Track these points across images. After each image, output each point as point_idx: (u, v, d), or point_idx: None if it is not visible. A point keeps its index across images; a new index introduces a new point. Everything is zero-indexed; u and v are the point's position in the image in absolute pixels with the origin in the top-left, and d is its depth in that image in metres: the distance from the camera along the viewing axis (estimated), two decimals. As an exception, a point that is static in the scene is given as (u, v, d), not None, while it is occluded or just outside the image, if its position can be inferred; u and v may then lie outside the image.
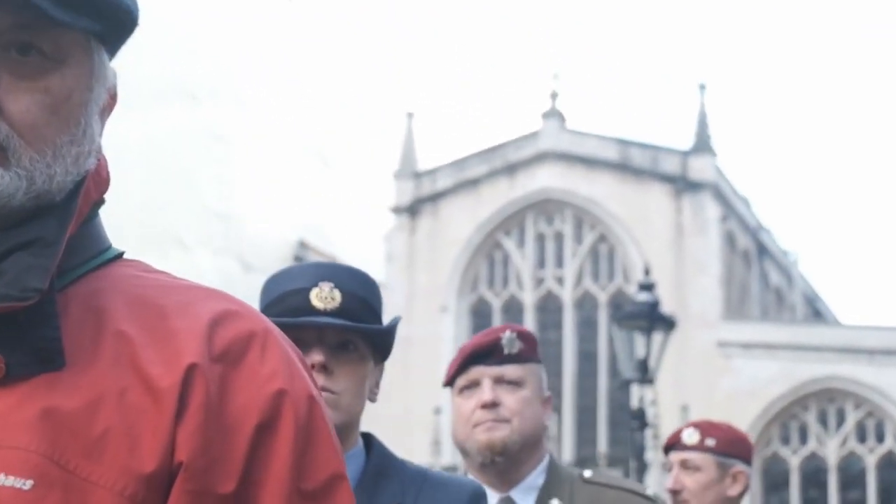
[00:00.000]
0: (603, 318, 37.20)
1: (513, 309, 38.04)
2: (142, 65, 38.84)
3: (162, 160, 37.41)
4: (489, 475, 3.10)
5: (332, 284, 2.38)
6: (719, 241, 37.05)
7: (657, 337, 14.37)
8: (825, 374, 34.89)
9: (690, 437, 4.32)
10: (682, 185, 37.33)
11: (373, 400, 2.49)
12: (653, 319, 14.36)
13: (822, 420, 35.40)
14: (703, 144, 37.94)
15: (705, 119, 38.39)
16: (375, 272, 42.15)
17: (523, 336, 3.18)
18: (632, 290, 35.11)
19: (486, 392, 3.07)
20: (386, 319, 2.46)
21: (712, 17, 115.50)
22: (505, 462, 3.07)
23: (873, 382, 34.49)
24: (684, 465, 4.28)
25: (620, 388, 25.32)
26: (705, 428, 4.36)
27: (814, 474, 35.39)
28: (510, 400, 3.08)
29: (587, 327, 38.09)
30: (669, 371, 30.64)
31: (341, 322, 2.36)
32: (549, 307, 38.57)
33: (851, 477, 35.27)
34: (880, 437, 34.93)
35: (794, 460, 35.21)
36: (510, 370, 3.11)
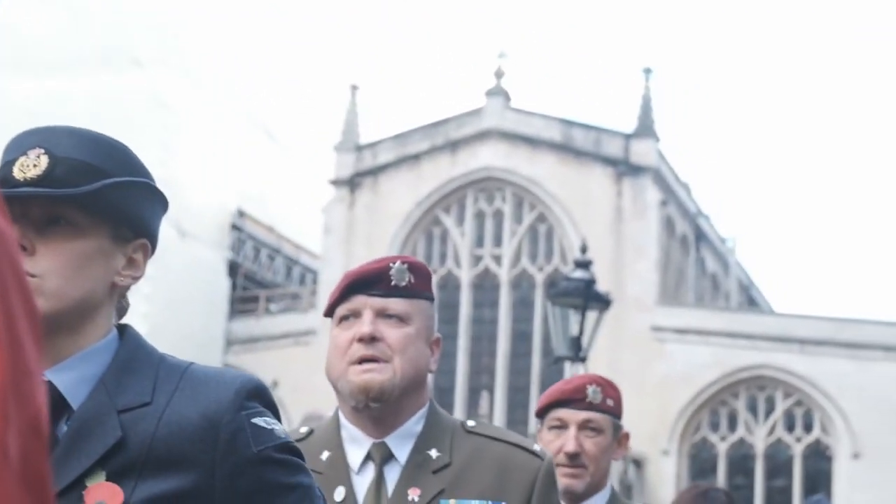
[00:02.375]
0: (539, 298, 37.22)
1: (449, 285, 38.03)
2: (88, 28, 38.48)
3: (105, 123, 36.93)
4: (363, 419, 2.81)
5: (41, 150, 1.95)
6: (658, 225, 37.16)
7: (591, 315, 14.33)
8: (757, 362, 35.13)
9: (595, 394, 3.82)
10: (624, 168, 37.40)
11: (123, 283, 1.99)
12: (588, 297, 14.29)
13: (752, 408, 35.64)
14: (646, 128, 38.01)
15: (649, 103, 38.46)
16: (313, 245, 42.07)
17: (415, 268, 2.85)
18: (569, 271, 35.22)
19: (365, 324, 2.74)
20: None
21: (660, 0, 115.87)
22: (381, 408, 2.76)
23: (804, 372, 34.76)
24: (585, 425, 3.79)
25: (553, 365, 25.36)
26: (604, 385, 3.87)
27: (741, 461, 35.64)
28: (392, 336, 2.74)
29: (523, 307, 38.13)
30: (604, 354, 30.74)
31: (28, 191, 1.91)
32: (485, 285, 38.58)
33: (778, 465, 35.57)
34: (808, 427, 35.21)
35: (722, 447, 35.45)
36: (395, 303, 2.77)
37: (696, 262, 41.48)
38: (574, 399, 3.80)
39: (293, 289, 42.87)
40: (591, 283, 14.55)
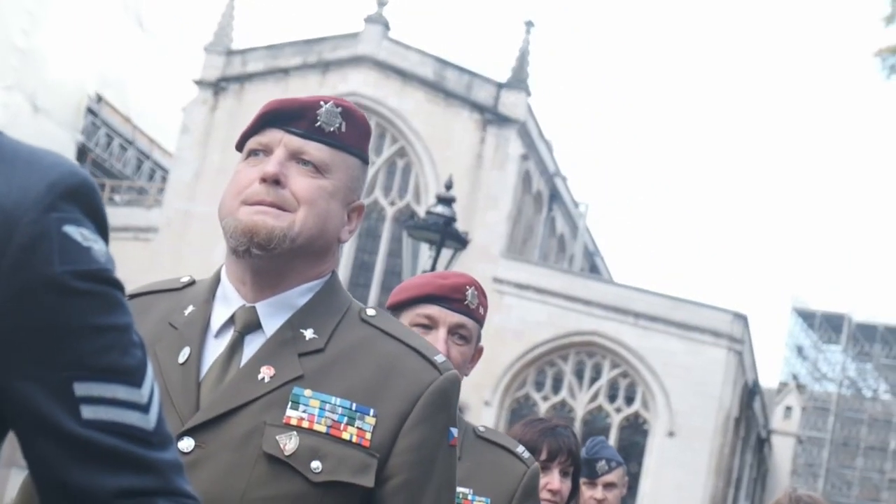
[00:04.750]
0: (386, 231, 37.09)
1: (300, 205, 37.63)
2: None
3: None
4: (241, 271, 2.32)
5: None
6: (515, 178, 37.17)
7: (446, 252, 14.15)
8: (590, 328, 35.43)
9: (474, 298, 3.35)
10: (491, 116, 37.30)
11: None
12: (445, 235, 14.11)
13: (579, 372, 35.98)
14: (519, 81, 37.91)
15: (526, 56, 38.35)
16: (168, 142, 41.30)
17: (350, 116, 2.38)
18: (420, 210, 35.06)
19: (271, 163, 2.29)
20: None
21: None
22: (264, 259, 2.28)
23: (634, 345, 35.16)
24: (456, 329, 3.31)
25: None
26: (480, 291, 3.41)
27: (559, 422, 35.96)
28: (300, 184, 2.30)
29: (369, 238, 37.91)
30: (442, 296, 30.66)
31: None
32: (335, 211, 38.25)
33: (594, 431, 35.92)
34: (629, 400, 35.66)
35: (543, 406, 35.74)
36: (315, 148, 2.32)
37: (546, 220, 41.64)
38: (451, 298, 3.33)
39: (141, 183, 42.09)
40: (450, 220, 14.34)
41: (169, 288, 2.46)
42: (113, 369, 1.38)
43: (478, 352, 3.45)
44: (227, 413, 2.22)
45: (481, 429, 3.54)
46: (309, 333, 2.30)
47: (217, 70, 39.05)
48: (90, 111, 40.06)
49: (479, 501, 3.39)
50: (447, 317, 3.33)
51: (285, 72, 38.69)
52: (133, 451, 1.39)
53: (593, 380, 35.98)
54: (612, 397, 35.89)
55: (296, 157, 2.32)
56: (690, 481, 34.23)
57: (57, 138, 37.69)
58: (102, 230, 1.42)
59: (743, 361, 36.42)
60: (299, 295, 2.33)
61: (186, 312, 2.36)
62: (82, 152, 39.55)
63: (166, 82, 43.07)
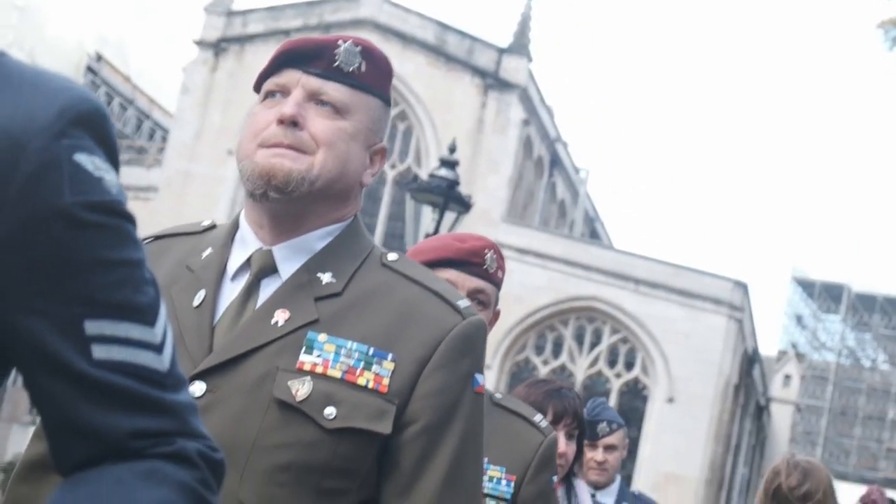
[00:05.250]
0: (387, 194, 36.97)
1: (300, 167, 37.52)
2: None
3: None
4: (259, 214, 2.27)
5: None
6: (517, 143, 37.03)
7: (449, 215, 14.04)
8: (590, 293, 35.36)
9: (492, 262, 3.22)
10: (492, 81, 37.13)
11: None
12: (449, 198, 14.01)
13: (579, 337, 35.93)
14: (520, 46, 37.74)
15: (528, 21, 38.17)
16: (169, 102, 41.14)
17: (371, 55, 2.30)
18: (421, 173, 34.95)
19: (289, 104, 2.21)
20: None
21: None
22: (282, 203, 2.21)
23: (634, 311, 35.09)
24: (475, 294, 3.16)
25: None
26: (498, 253, 3.27)
27: (558, 387, 35.91)
28: (319, 126, 2.22)
29: (369, 201, 37.81)
30: (442, 260, 30.53)
31: None
32: (335, 174, 38.10)
33: (595, 396, 35.88)
34: (629, 365, 35.62)
35: (544, 370, 35.72)
36: (334, 89, 2.24)
37: (547, 186, 41.52)
38: (470, 262, 3.19)
39: (141, 142, 41.98)
40: (454, 183, 14.25)
41: (189, 231, 2.41)
42: (125, 306, 1.30)
43: (495, 315, 3.32)
44: (239, 357, 2.16)
45: (498, 396, 3.44)
46: (326, 277, 2.24)
47: (217, 31, 38.86)
48: (90, 70, 39.92)
49: (495, 470, 3.31)
50: (466, 282, 3.19)
51: (286, 33, 38.47)
52: (147, 393, 1.32)
53: (593, 345, 35.93)
54: (611, 362, 35.84)
55: (314, 97, 2.25)
56: (690, 447, 34.23)
57: (56, 97, 37.62)
58: (114, 160, 1.32)
59: (743, 329, 36.37)
60: (318, 239, 2.28)
61: (204, 255, 2.31)
62: (81, 112, 39.52)
63: (166, 42, 42.89)
